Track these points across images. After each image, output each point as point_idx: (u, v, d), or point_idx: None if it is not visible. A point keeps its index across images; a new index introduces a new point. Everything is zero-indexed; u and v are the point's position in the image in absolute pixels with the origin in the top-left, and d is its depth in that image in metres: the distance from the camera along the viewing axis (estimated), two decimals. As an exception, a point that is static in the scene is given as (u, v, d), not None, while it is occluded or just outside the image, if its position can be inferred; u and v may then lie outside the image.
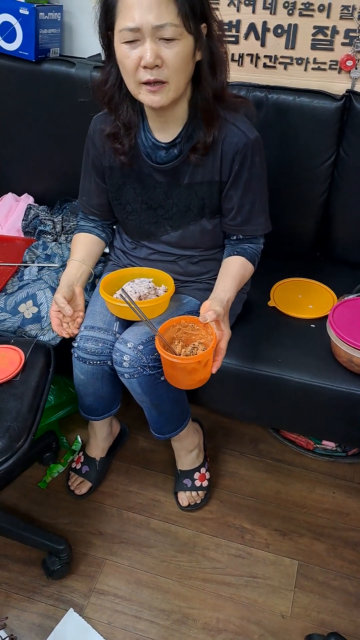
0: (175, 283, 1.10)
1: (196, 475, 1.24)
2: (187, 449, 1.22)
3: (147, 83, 0.85)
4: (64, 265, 1.28)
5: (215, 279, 1.11)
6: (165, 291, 1.07)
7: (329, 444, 1.35)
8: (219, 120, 0.95)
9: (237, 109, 0.98)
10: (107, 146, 1.03)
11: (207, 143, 0.96)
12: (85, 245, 1.13)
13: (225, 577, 1.12)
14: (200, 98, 0.93)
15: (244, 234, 1.07)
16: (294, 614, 1.07)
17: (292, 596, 1.10)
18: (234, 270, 1.03)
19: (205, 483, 1.24)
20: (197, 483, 1.23)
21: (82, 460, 1.28)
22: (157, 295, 1.06)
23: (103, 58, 0.95)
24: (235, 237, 1.08)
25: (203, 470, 1.25)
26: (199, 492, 1.23)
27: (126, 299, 0.94)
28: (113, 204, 1.11)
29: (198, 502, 1.23)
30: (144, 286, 1.07)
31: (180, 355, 0.91)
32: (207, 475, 1.26)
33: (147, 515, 1.23)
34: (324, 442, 1.35)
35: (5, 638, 0.97)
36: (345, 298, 1.19)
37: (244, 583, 1.12)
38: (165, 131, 0.98)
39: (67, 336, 1.06)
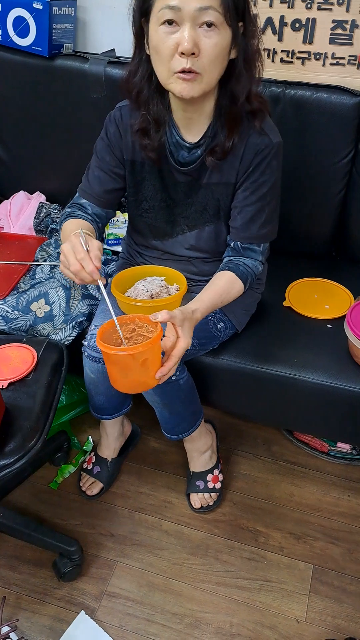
0: (188, 282, 1.08)
1: (209, 477, 1.22)
2: (199, 450, 1.20)
3: (181, 72, 0.82)
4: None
5: None
6: (178, 290, 1.05)
7: (344, 447, 1.33)
8: (242, 123, 0.93)
9: (264, 109, 0.95)
10: (135, 140, 1.00)
11: (226, 148, 0.93)
12: (85, 228, 0.99)
13: (239, 581, 1.11)
14: (227, 98, 0.91)
15: (242, 241, 1.00)
16: (309, 619, 1.05)
17: (307, 600, 1.08)
18: (218, 285, 0.97)
19: (218, 485, 1.23)
20: (210, 485, 1.22)
21: (93, 461, 1.26)
22: (169, 294, 1.04)
23: (132, 49, 0.92)
24: (232, 244, 1.02)
25: (216, 472, 1.23)
26: (212, 494, 1.22)
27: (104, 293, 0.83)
28: (129, 200, 1.09)
29: (211, 504, 1.21)
30: (156, 284, 1.06)
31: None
32: (220, 477, 1.24)
33: (159, 517, 1.21)
34: (339, 444, 1.33)
35: (17, 641, 0.96)
36: (363, 298, 1.17)
37: (258, 587, 1.10)
38: (189, 129, 0.96)
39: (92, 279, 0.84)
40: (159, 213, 1.06)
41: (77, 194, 1.09)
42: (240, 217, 0.99)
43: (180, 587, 1.09)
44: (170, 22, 0.80)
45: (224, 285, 0.97)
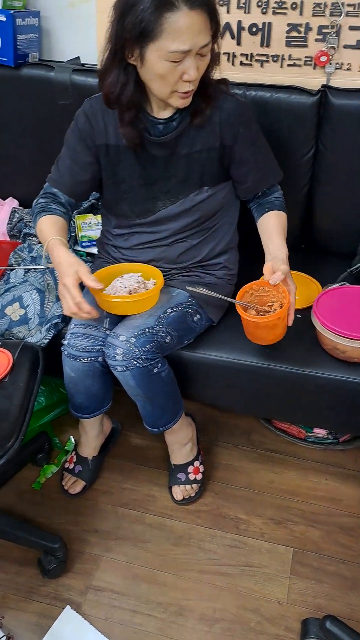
0: (164, 276, 1.11)
1: (190, 468, 1.25)
2: (180, 442, 1.23)
3: (183, 92, 0.94)
4: (49, 268, 1.29)
5: (207, 264, 1.16)
6: (155, 284, 1.08)
7: (321, 432, 1.37)
8: (212, 91, 1.02)
9: (225, 79, 1.08)
10: (109, 123, 1.05)
11: (204, 109, 1.02)
12: (61, 230, 1.07)
13: (221, 568, 1.13)
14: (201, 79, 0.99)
15: (266, 186, 1.12)
16: (290, 600, 1.08)
17: (288, 583, 1.11)
18: (275, 226, 1.08)
19: (199, 476, 1.25)
20: (191, 476, 1.24)
21: (74, 460, 1.28)
22: (147, 289, 1.07)
23: (102, 59, 0.97)
24: (255, 196, 1.13)
25: (197, 463, 1.26)
26: (193, 485, 1.24)
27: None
28: (107, 184, 1.12)
29: (192, 495, 1.24)
30: (133, 280, 1.09)
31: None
32: (201, 468, 1.27)
33: (142, 510, 1.23)
34: (315, 430, 1.37)
35: (2, 637, 0.97)
36: (329, 287, 1.22)
37: (240, 572, 1.13)
38: (165, 108, 1.03)
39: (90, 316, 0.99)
40: (139, 192, 1.09)
41: (46, 184, 1.12)
42: (259, 172, 1.10)
43: (165, 577, 1.12)
44: (178, 60, 0.90)
45: (278, 222, 1.09)
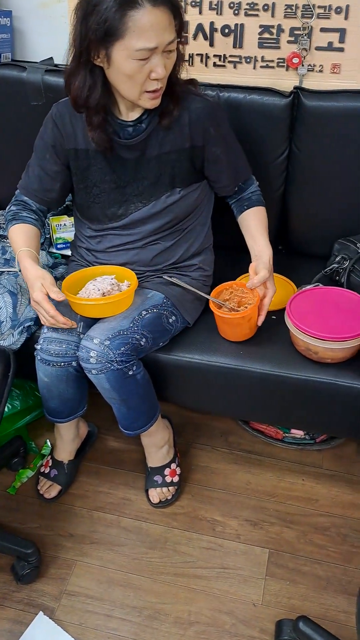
0: (138, 278, 1.11)
1: (166, 471, 1.24)
2: (157, 445, 1.23)
3: (150, 91, 0.94)
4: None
5: (182, 266, 1.17)
6: (129, 286, 1.08)
7: (298, 433, 1.37)
8: (180, 92, 1.03)
9: (194, 80, 1.09)
10: (77, 128, 1.05)
11: (172, 108, 1.02)
12: (32, 239, 1.09)
13: (197, 570, 1.13)
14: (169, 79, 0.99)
15: (241, 181, 1.15)
16: (265, 602, 1.08)
17: (263, 584, 1.11)
18: (256, 226, 1.13)
19: (175, 479, 1.25)
20: (168, 479, 1.24)
21: (50, 464, 1.27)
22: (121, 291, 1.07)
23: (67, 62, 0.97)
24: (232, 191, 1.15)
25: (173, 466, 1.25)
26: (170, 487, 1.24)
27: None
28: (77, 188, 1.11)
29: (169, 497, 1.24)
30: (106, 283, 1.08)
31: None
32: (178, 470, 1.26)
33: (117, 514, 1.23)
34: (293, 430, 1.37)
35: (-27, 645, 0.96)
36: (303, 289, 1.22)
37: (215, 575, 1.12)
38: (132, 110, 1.03)
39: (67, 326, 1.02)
40: (110, 195, 1.09)
41: (17, 191, 1.12)
42: (233, 169, 1.12)
43: (140, 580, 1.11)
44: (145, 57, 0.89)
45: (259, 219, 1.14)
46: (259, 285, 1.05)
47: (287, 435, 1.38)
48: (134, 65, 0.90)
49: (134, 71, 0.91)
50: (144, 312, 1.07)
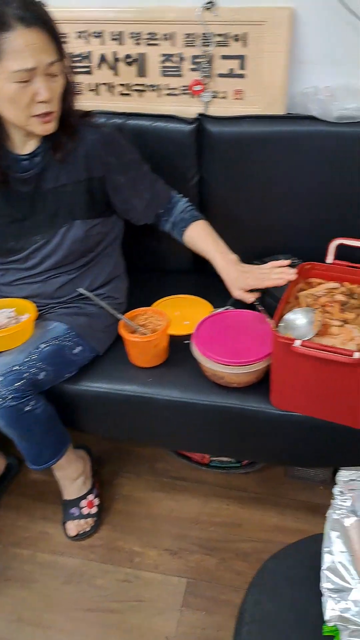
0: (42, 309, 1.10)
1: (83, 503, 1.23)
2: (70, 477, 1.21)
3: (39, 115, 0.94)
4: None
5: (84, 300, 1.15)
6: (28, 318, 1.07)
7: (224, 457, 1.36)
8: (75, 123, 1.04)
9: (90, 112, 1.10)
10: None
11: (65, 140, 1.03)
12: None
13: (111, 604, 1.11)
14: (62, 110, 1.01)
15: (163, 201, 1.15)
16: (180, 634, 1.06)
17: (179, 615, 1.09)
18: (202, 234, 1.14)
19: (93, 510, 1.23)
20: (85, 511, 1.22)
21: (-33, 500, 1.25)
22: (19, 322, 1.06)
23: None
24: (159, 214, 1.15)
25: (91, 497, 1.24)
26: (88, 519, 1.22)
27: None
28: None
29: (87, 529, 1.22)
30: (3, 316, 1.08)
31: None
32: (96, 501, 1.25)
33: (33, 549, 1.21)
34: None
35: None
36: (213, 312, 1.22)
37: (130, 608, 1.11)
38: (26, 143, 1.03)
39: None
40: (7, 229, 1.09)
41: None
42: (137, 196, 1.12)
43: (51, 619, 1.09)
44: (24, 80, 0.90)
45: (203, 231, 1.14)
46: (279, 269, 1.06)
47: (213, 459, 1.37)
48: (14, 88, 0.90)
49: (16, 94, 0.91)
50: (42, 345, 1.06)
